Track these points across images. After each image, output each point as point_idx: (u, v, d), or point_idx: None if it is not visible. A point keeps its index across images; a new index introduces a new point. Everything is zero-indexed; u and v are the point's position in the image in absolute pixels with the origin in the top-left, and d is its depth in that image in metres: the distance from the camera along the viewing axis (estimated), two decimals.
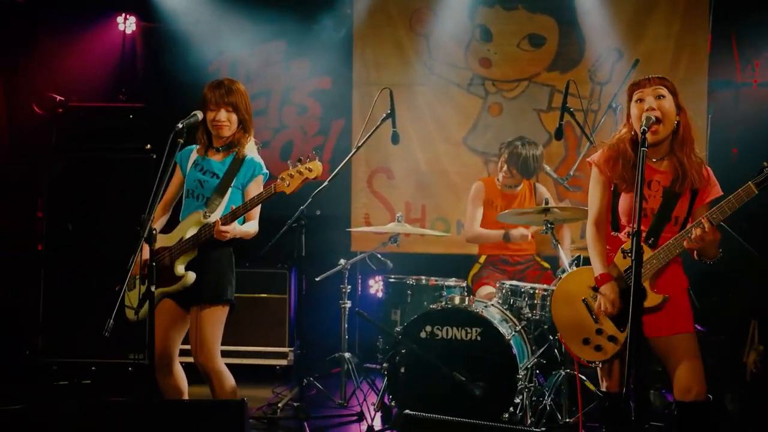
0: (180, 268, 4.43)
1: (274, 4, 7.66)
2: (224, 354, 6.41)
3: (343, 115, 7.76)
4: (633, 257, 3.41)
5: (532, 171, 6.13)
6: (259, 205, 4.49)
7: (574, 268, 5.40)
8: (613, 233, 3.99)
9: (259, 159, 4.62)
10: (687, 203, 3.83)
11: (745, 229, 5.79)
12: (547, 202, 5.60)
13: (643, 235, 3.78)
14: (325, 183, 5.50)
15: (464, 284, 6.00)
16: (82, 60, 7.78)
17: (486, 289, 6.04)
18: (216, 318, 4.47)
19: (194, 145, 4.66)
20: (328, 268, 6.10)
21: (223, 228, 4.31)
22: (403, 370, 5.18)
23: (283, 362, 6.92)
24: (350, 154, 5.64)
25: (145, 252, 4.24)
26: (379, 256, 6.17)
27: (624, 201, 3.92)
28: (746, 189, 3.55)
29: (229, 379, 4.51)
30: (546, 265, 6.35)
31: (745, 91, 7.16)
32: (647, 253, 3.73)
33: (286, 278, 7.01)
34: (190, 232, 4.44)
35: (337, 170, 5.55)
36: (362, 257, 6.09)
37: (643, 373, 3.46)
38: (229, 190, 4.51)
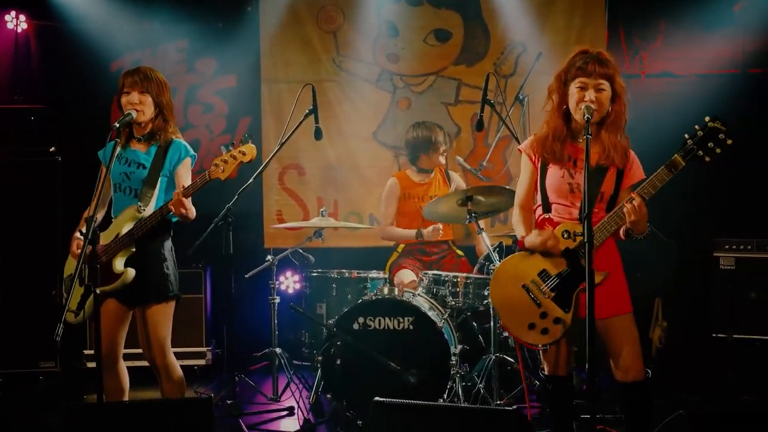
0: (119, 265, 4.33)
1: (177, 2, 7.51)
2: (138, 356, 6.30)
3: (250, 113, 7.66)
4: (586, 239, 3.53)
5: (437, 142, 6.30)
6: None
7: (496, 254, 5.55)
8: (542, 214, 4.08)
9: (184, 142, 4.54)
10: (613, 181, 3.95)
11: (651, 213, 6.04)
12: (467, 197, 5.66)
13: (575, 213, 3.93)
14: (250, 180, 5.47)
15: (385, 276, 6.05)
16: None
17: (404, 273, 6.12)
18: (164, 314, 4.45)
19: (114, 141, 4.49)
20: (243, 267, 6.02)
21: (185, 201, 4.22)
22: (338, 362, 5.18)
23: (201, 362, 6.82)
24: (275, 151, 5.62)
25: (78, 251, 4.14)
26: (301, 251, 6.14)
27: (551, 176, 4.01)
28: (673, 161, 3.71)
29: (178, 370, 4.50)
30: (460, 252, 6.45)
31: (635, 82, 7.36)
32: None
33: (201, 277, 6.90)
34: (126, 228, 4.35)
35: (262, 167, 5.54)
36: (287, 253, 6.05)
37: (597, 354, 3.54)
38: (159, 179, 4.42)
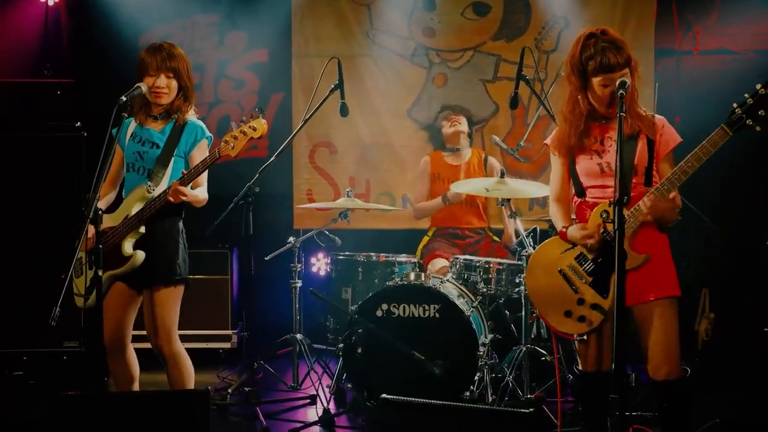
0: (127, 248, 4.17)
1: None
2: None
3: (283, 88, 7.48)
4: (616, 227, 3.24)
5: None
6: (205, 174, 4.29)
7: (530, 240, 5.30)
8: (578, 199, 3.85)
9: (200, 122, 4.40)
10: (645, 151, 3.69)
11: (698, 198, 5.73)
12: (503, 174, 5.43)
13: (610, 192, 3.67)
14: (272, 158, 5.24)
15: (415, 260, 5.83)
16: (1, 34, 7.33)
17: (439, 262, 5.87)
18: (171, 299, 4.25)
19: (130, 118, 4.38)
20: (270, 248, 5.84)
21: (181, 188, 4.06)
22: (359, 350, 4.99)
23: (227, 345, 6.67)
24: (298, 128, 5.37)
25: (91, 234, 4.01)
26: (327, 233, 5.92)
27: (581, 162, 3.79)
28: (719, 132, 3.41)
29: (187, 362, 4.31)
30: (497, 239, 6.20)
31: (686, 59, 7.13)
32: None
33: (227, 258, 6.74)
34: (136, 208, 4.19)
35: (285, 144, 5.29)
36: (311, 234, 5.84)
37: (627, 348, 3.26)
38: (172, 159, 4.27)
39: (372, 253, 5.72)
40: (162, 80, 4.23)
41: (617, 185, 3.29)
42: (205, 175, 4.32)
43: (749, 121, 3.39)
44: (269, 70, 7.53)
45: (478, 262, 5.44)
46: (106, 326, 4.05)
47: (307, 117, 5.35)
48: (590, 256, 3.71)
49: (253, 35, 7.49)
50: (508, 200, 5.32)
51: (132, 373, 4.35)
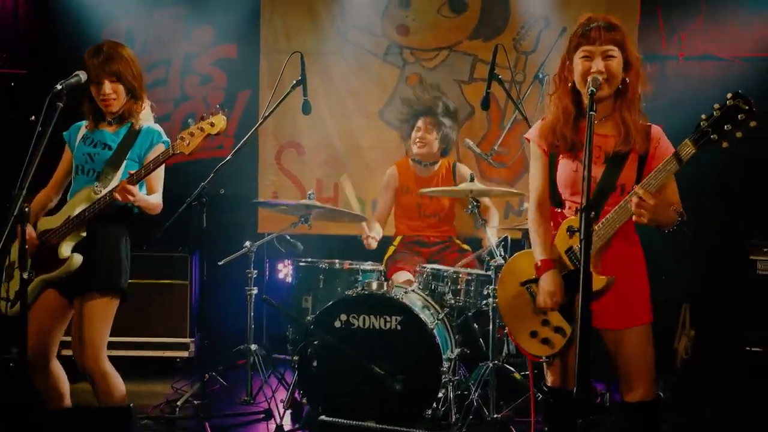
0: (65, 250, 3.92)
1: None
2: (119, 345, 5.98)
3: (250, 86, 7.24)
4: (582, 238, 2.98)
5: (432, 105, 5.88)
6: (161, 178, 4.08)
7: (501, 250, 5.06)
8: (555, 209, 3.58)
9: (157, 127, 4.14)
10: (634, 170, 3.41)
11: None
12: (472, 178, 5.21)
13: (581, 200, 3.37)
14: (228, 157, 4.99)
15: (381, 268, 5.57)
16: None
17: (402, 275, 5.63)
18: (103, 310, 3.96)
19: (83, 122, 4.17)
20: (233, 252, 5.57)
21: (129, 187, 3.78)
22: (315, 363, 4.74)
23: (184, 354, 6.41)
24: (256, 125, 5.12)
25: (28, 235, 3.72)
26: (289, 237, 5.65)
27: (563, 169, 3.50)
28: (684, 146, 3.13)
29: (117, 383, 4.00)
30: (465, 246, 5.96)
31: (671, 64, 6.91)
32: None
33: (187, 262, 6.47)
34: (79, 209, 3.92)
35: (241, 143, 5.03)
36: (270, 239, 5.56)
37: (592, 367, 3.02)
38: (124, 162, 4.01)
39: (336, 260, 5.46)
40: (106, 87, 3.99)
41: (583, 190, 3.03)
42: (160, 181, 4.10)
43: (714, 136, 3.11)
44: (237, 66, 7.29)
45: (446, 271, 5.20)
46: (30, 336, 3.75)
47: (266, 114, 5.11)
48: (542, 305, 3.46)
49: (220, 29, 7.26)
50: (477, 206, 5.08)
51: (60, 389, 4.04)
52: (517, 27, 6.94)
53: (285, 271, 6.64)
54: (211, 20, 7.24)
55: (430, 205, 5.87)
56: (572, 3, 6.78)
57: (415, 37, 7.07)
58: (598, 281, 3.33)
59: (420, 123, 5.88)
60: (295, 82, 5.15)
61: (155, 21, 7.24)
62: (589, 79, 3.28)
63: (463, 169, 5.98)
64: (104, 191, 3.89)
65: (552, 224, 3.57)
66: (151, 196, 4.04)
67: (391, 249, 6.00)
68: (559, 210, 3.55)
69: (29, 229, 3.70)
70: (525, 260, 3.61)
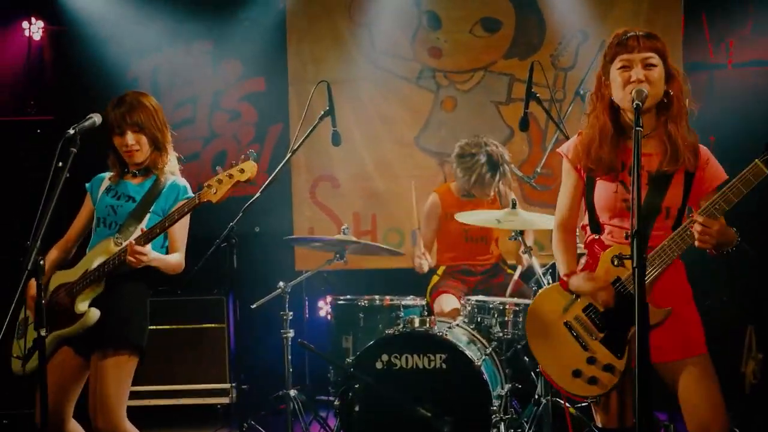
0: (81, 306, 3.75)
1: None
2: (155, 394, 5.82)
3: (281, 119, 7.12)
4: (635, 264, 2.73)
5: (499, 166, 5.50)
6: (185, 236, 3.93)
7: (549, 278, 4.82)
8: (592, 236, 3.34)
9: (183, 182, 4.00)
10: (680, 190, 3.18)
11: (737, 224, 5.24)
12: (514, 204, 4.97)
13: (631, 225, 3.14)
14: (257, 194, 4.80)
15: (423, 302, 5.34)
16: None
17: (447, 300, 5.43)
18: (121, 368, 3.77)
19: (106, 173, 4.05)
20: (270, 292, 5.38)
21: (138, 248, 3.63)
22: (357, 408, 4.51)
23: (225, 400, 6.23)
24: (284, 160, 4.93)
25: (33, 288, 3.59)
26: (326, 275, 5.45)
27: (602, 191, 3.27)
28: (753, 169, 2.93)
29: None
30: (511, 271, 5.71)
31: (720, 73, 6.69)
32: None
33: (223, 305, 6.31)
34: (97, 262, 3.77)
35: (270, 179, 4.83)
36: (305, 277, 5.36)
37: (651, 404, 2.78)
38: (148, 215, 3.87)
39: (375, 296, 5.25)
40: (129, 138, 3.86)
41: (634, 212, 2.79)
42: (183, 239, 3.96)
43: None
44: (266, 100, 7.18)
45: (492, 303, 4.97)
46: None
47: (294, 147, 4.93)
48: (601, 309, 3.21)
49: (248, 62, 7.17)
50: (521, 233, 4.85)
51: None
52: (554, 43, 6.76)
53: (325, 309, 6.45)
54: (237, 54, 7.15)
55: (476, 228, 5.62)
56: (611, 14, 6.61)
57: (448, 60, 6.93)
58: (656, 314, 3.11)
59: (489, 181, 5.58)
60: (323, 112, 4.98)
61: (180, 58, 7.16)
62: (633, 91, 3.06)
63: (507, 192, 5.74)
64: (124, 244, 3.73)
65: (587, 253, 3.33)
66: (170, 256, 3.90)
67: (435, 278, 5.77)
68: (597, 237, 3.31)
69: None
70: (551, 296, 3.38)
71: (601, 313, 3.21)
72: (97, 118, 3.81)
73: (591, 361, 3.22)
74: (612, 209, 3.24)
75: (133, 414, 3.91)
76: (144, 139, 3.88)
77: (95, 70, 6.97)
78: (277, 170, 4.87)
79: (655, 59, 3.12)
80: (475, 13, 6.86)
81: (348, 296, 5.37)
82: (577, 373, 3.25)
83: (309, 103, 4.94)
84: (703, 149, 3.24)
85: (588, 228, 3.37)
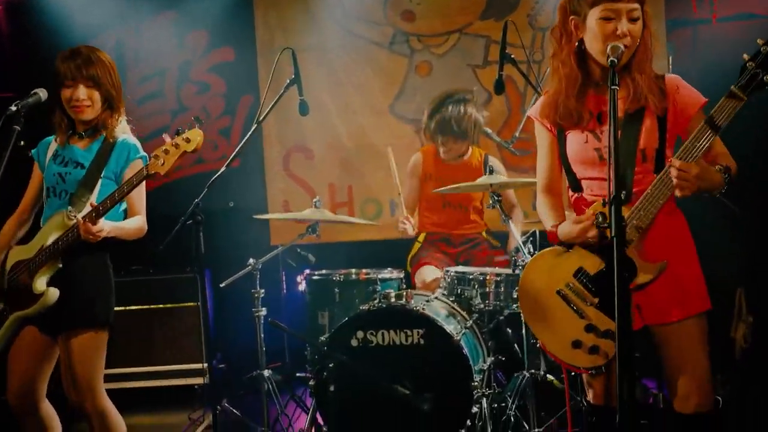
0: (40, 284, 3.63)
1: None
2: (129, 377, 5.71)
3: (251, 90, 6.94)
4: (613, 231, 2.59)
5: (467, 129, 5.35)
6: (143, 198, 3.82)
7: (529, 246, 4.68)
8: (573, 194, 3.20)
9: (134, 140, 3.85)
10: (655, 132, 3.03)
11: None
12: (491, 170, 4.83)
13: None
14: (222, 169, 4.60)
15: (401, 275, 5.20)
16: None
17: (428, 272, 5.30)
18: (91, 346, 3.67)
19: (52, 137, 3.89)
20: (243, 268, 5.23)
21: (90, 227, 3.50)
22: (332, 387, 4.37)
23: (200, 380, 6.07)
24: (248, 132, 4.75)
25: None
26: (299, 249, 5.29)
27: (572, 143, 3.13)
28: (722, 107, 2.79)
29: (118, 421, 3.75)
30: (495, 242, 5.58)
31: (704, 28, 6.51)
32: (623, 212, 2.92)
33: (197, 283, 6.14)
34: (52, 238, 3.64)
35: (234, 153, 4.65)
36: (276, 253, 5.20)
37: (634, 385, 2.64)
38: (99, 181, 3.73)
39: (352, 270, 5.11)
40: (81, 91, 3.71)
41: (611, 176, 2.64)
42: (142, 201, 3.83)
43: (766, 78, 2.73)
44: (235, 70, 6.99)
45: (472, 274, 4.83)
46: (11, 379, 3.62)
47: (259, 119, 4.74)
48: (593, 271, 3.06)
49: (215, 32, 6.96)
50: (499, 200, 4.71)
51: (51, 426, 3.81)
52: (530, 2, 6.57)
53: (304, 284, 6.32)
54: (203, 24, 6.94)
55: (456, 195, 5.46)
56: None
57: (422, 23, 6.74)
58: (647, 270, 2.97)
59: (446, 139, 5.45)
60: (288, 81, 4.79)
61: (145, 30, 6.96)
62: (610, 46, 2.89)
63: (496, 164, 5.59)
64: (79, 216, 3.58)
65: (574, 213, 3.19)
66: (129, 221, 3.78)
67: (416, 246, 5.64)
68: (579, 194, 3.16)
69: None
70: (542, 264, 3.23)
71: (592, 277, 3.07)
72: (42, 94, 3.70)
73: (589, 329, 3.08)
74: (585, 161, 3.11)
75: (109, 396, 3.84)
76: (97, 96, 3.74)
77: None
78: (241, 144, 4.69)
79: (638, 11, 2.97)
80: None
81: (323, 271, 5.23)
82: (577, 344, 3.10)
83: (273, 72, 4.75)
84: (671, 79, 3.09)
85: (569, 189, 3.23)
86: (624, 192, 2.92)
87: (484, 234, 5.63)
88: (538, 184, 3.31)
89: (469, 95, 5.46)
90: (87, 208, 3.62)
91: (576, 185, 3.16)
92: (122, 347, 5.83)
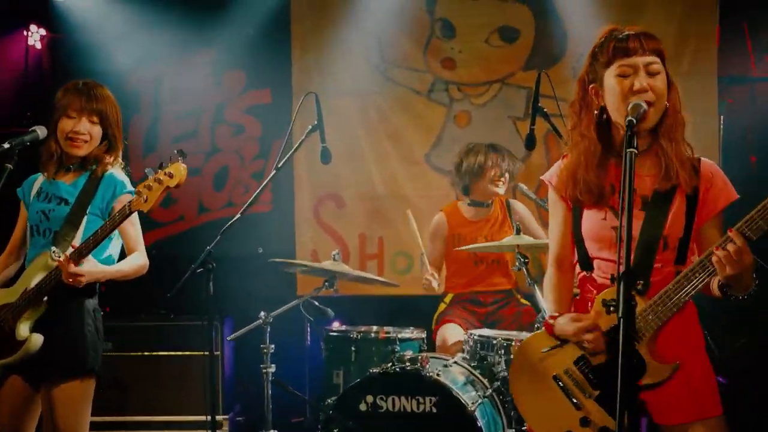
0: (23, 330, 3.47)
1: (198, 6, 6.73)
2: (140, 426, 5.48)
3: (284, 133, 6.76)
4: (621, 314, 2.32)
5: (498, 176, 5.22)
6: (138, 233, 3.66)
7: None
8: (583, 273, 2.94)
9: (122, 176, 3.69)
10: (682, 216, 2.76)
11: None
12: (518, 230, 4.59)
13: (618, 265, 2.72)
14: (237, 216, 4.46)
15: (423, 335, 4.96)
16: None
17: (452, 331, 5.08)
18: (75, 397, 3.50)
19: (39, 174, 3.75)
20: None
21: (74, 269, 3.34)
22: None
23: None
24: (267, 178, 4.60)
25: None
26: (317, 303, 5.07)
27: (589, 219, 2.88)
28: None
29: None
30: (524, 302, 5.34)
31: (762, 87, 6.25)
32: (638, 305, 2.64)
33: (218, 332, 5.94)
34: (35, 280, 3.49)
35: (250, 201, 4.48)
36: (291, 306, 4.97)
37: None
38: (85, 218, 3.57)
39: (373, 327, 4.91)
40: (84, 125, 3.58)
41: (620, 251, 2.39)
42: (138, 237, 3.68)
43: None
44: (272, 113, 6.87)
45: (496, 338, 4.55)
46: None
47: (278, 165, 4.59)
48: (595, 361, 2.81)
49: (252, 73, 6.89)
50: (526, 262, 4.46)
51: None
52: (576, 53, 6.33)
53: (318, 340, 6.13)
54: (241, 64, 6.86)
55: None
56: (641, 20, 6.11)
57: (463, 71, 6.60)
58: (661, 370, 2.71)
59: (491, 159, 5.27)
60: (310, 127, 4.65)
61: (182, 68, 6.89)
62: (630, 104, 2.64)
63: (519, 207, 5.43)
64: (62, 258, 3.43)
65: (579, 293, 2.93)
66: (128, 259, 3.63)
67: (442, 306, 5.42)
68: (588, 274, 2.90)
69: None
70: (540, 343, 2.97)
71: (595, 367, 2.82)
72: (40, 132, 3.59)
73: (584, 422, 2.82)
74: (600, 239, 2.84)
75: None
76: (98, 131, 3.61)
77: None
78: (257, 192, 4.52)
79: (658, 64, 2.72)
80: (492, 21, 6.51)
81: (343, 327, 5.04)
82: None
83: (295, 116, 4.63)
84: (707, 164, 2.83)
85: (577, 266, 2.97)
86: (642, 282, 2.68)
87: (514, 292, 5.41)
88: (549, 256, 3.08)
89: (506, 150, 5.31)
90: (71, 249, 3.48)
91: (586, 263, 2.91)
92: (131, 393, 5.76)
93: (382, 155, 6.62)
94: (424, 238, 5.40)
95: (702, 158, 2.83)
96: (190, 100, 6.91)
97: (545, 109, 4.40)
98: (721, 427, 2.76)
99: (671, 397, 2.73)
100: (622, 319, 2.29)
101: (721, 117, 5.99)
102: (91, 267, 3.45)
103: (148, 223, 6.69)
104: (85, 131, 3.58)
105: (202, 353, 5.85)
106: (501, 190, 5.29)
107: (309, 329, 5.95)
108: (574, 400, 2.84)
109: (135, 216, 3.55)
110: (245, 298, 5.86)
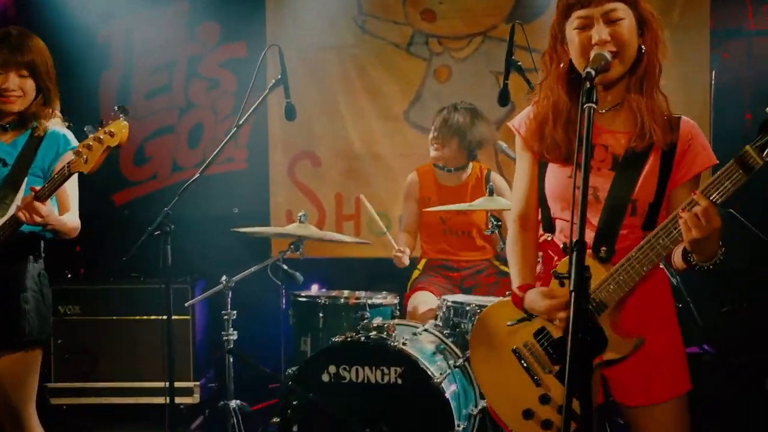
0: None
1: None
2: (103, 391, 5.54)
3: (264, 87, 6.52)
4: (572, 286, 2.12)
5: (470, 142, 4.97)
6: (75, 194, 3.51)
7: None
8: (545, 236, 2.76)
9: (65, 131, 3.50)
10: (654, 178, 2.57)
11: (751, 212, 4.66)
12: (491, 192, 4.39)
13: (591, 234, 2.56)
14: (196, 176, 4.27)
15: (397, 300, 4.79)
16: None
17: (423, 299, 4.89)
18: (19, 368, 3.40)
19: None
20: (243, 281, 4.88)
21: (38, 204, 3.17)
22: (296, 428, 3.97)
23: (188, 400, 5.72)
24: (227, 137, 4.39)
25: None
26: (285, 267, 4.88)
27: (554, 178, 2.70)
28: (745, 155, 2.27)
29: None
30: (505, 269, 5.11)
31: (760, 41, 6.00)
32: (599, 273, 2.46)
33: (188, 295, 5.77)
34: None
35: (209, 160, 4.29)
36: (252, 271, 4.78)
37: None
38: (25, 179, 3.39)
39: (345, 292, 4.77)
40: (13, 80, 3.35)
41: (573, 217, 2.19)
42: (74, 198, 3.52)
43: None
44: (248, 66, 6.59)
45: (469, 304, 4.36)
46: None
47: (239, 123, 4.40)
48: (556, 334, 2.62)
49: (227, 25, 6.62)
50: (499, 225, 4.27)
51: None
52: None
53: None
54: (215, 16, 6.61)
55: (457, 220, 5.06)
56: None
57: (444, 24, 6.33)
58: (619, 347, 2.53)
59: (435, 121, 5.14)
60: (273, 81, 4.47)
61: (155, 20, 6.64)
62: (591, 54, 2.44)
63: (499, 181, 5.17)
64: (2, 220, 3.28)
65: (542, 259, 2.74)
66: (64, 216, 3.44)
67: (416, 273, 5.26)
68: (550, 237, 2.71)
69: None
70: (501, 313, 2.80)
71: (555, 341, 2.64)
72: None
73: (544, 399, 2.67)
74: (565, 199, 2.66)
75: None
76: (31, 86, 3.40)
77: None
78: (216, 151, 4.34)
79: (621, 9, 2.50)
80: None
81: (312, 292, 4.88)
82: (528, 414, 2.70)
83: (257, 69, 4.40)
84: (688, 123, 2.63)
85: (540, 227, 2.78)
86: (605, 248, 2.48)
87: (493, 261, 5.19)
88: (512, 212, 2.88)
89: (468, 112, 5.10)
90: (11, 211, 3.29)
91: (548, 224, 2.73)
92: (105, 358, 5.66)
93: (359, 111, 6.40)
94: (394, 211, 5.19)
95: (682, 116, 2.63)
96: (162, 53, 6.67)
97: (519, 62, 4.18)
98: (678, 411, 2.60)
99: (634, 375, 2.57)
100: (573, 293, 2.10)
101: (713, 72, 5.76)
102: (51, 209, 3.30)
103: (120, 182, 6.62)
104: (14, 87, 3.36)
105: (181, 318, 5.74)
106: (434, 153, 5.12)
107: (284, 294, 5.80)
108: (534, 376, 2.68)
109: (74, 176, 3.37)
110: (218, 260, 5.68)
